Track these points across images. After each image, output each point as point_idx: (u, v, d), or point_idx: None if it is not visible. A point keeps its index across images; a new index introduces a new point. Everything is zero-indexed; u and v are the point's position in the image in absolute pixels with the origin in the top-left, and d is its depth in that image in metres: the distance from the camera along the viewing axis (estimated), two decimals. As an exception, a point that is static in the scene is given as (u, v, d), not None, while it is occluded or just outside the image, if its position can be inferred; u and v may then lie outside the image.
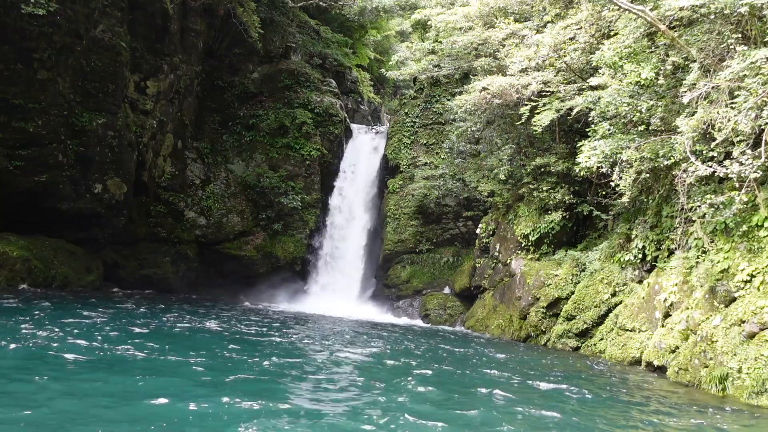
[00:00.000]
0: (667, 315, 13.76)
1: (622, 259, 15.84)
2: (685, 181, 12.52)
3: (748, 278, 11.45)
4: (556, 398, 9.72)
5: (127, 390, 7.59)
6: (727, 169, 11.25)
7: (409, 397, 8.65)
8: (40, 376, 7.75)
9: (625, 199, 14.14)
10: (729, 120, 11.23)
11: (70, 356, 9.06)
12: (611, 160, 13.91)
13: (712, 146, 11.71)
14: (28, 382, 7.52)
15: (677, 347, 12.87)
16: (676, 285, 13.50)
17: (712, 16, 11.95)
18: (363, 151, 27.80)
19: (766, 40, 11.73)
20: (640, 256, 15.31)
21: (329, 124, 26.24)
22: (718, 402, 10.44)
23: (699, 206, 12.35)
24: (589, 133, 15.21)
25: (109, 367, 8.83)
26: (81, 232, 19.64)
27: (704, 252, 12.89)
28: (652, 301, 14.23)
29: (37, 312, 12.99)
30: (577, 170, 15.30)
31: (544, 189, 18.34)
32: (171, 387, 7.88)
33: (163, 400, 7.13)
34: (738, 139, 11.27)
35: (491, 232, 20.81)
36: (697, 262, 12.98)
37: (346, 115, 28.16)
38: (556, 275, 17.59)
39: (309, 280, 25.26)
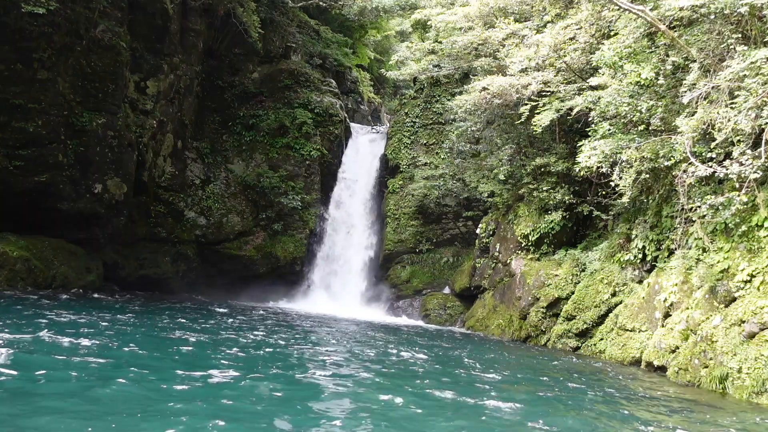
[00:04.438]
0: (667, 315, 13.76)
1: (622, 259, 15.84)
2: (685, 182, 12.52)
3: (748, 278, 11.45)
4: (554, 397, 9.72)
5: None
6: (727, 169, 11.26)
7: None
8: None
9: (625, 199, 14.14)
10: (729, 120, 11.23)
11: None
12: (611, 160, 13.92)
13: (712, 146, 11.72)
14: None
15: (677, 347, 12.87)
16: (676, 285, 13.50)
17: (712, 16, 11.96)
18: (363, 151, 27.81)
19: (766, 40, 11.73)
20: (640, 256, 15.31)
21: (329, 124, 26.25)
22: (718, 402, 10.44)
23: (699, 206, 12.35)
24: (589, 133, 15.21)
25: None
26: (81, 232, 19.61)
27: (704, 252, 12.89)
28: (652, 301, 14.23)
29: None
30: (577, 170, 15.30)
31: (544, 189, 18.34)
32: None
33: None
34: (738, 139, 11.28)
35: (491, 232, 20.81)
36: (697, 262, 12.99)
37: (346, 115, 28.16)
38: (556, 275, 17.60)
39: (309, 280, 25.25)
